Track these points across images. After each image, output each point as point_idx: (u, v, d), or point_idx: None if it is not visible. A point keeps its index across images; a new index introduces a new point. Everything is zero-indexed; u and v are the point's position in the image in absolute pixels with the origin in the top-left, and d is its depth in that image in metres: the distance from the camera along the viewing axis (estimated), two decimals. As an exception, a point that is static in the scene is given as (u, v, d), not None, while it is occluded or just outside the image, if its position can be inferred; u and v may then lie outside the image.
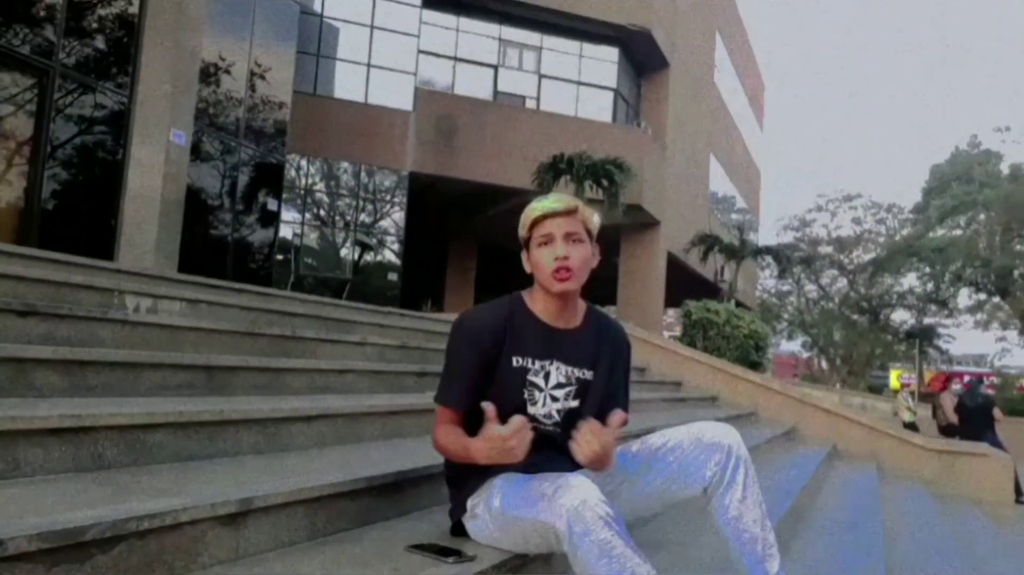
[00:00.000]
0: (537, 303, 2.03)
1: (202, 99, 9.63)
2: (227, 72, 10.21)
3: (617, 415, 1.85)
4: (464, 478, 1.99)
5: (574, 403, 2.02)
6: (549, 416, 1.99)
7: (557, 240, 1.93)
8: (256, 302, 4.35)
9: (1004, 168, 31.60)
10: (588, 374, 2.03)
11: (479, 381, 1.94)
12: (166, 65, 8.36)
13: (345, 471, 2.10)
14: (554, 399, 1.99)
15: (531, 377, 1.97)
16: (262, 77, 10.90)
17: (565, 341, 2.02)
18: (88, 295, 3.19)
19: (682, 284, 20.46)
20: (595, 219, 2.00)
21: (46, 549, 1.27)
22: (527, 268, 2.03)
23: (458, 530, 2.03)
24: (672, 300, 19.73)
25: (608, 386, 2.07)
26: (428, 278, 19.27)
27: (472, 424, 1.90)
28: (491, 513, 1.91)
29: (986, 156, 32.83)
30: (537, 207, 1.97)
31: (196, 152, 9.51)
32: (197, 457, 2.04)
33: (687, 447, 1.95)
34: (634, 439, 2.06)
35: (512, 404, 1.93)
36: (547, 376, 1.99)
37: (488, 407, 1.82)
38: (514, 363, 1.96)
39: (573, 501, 1.64)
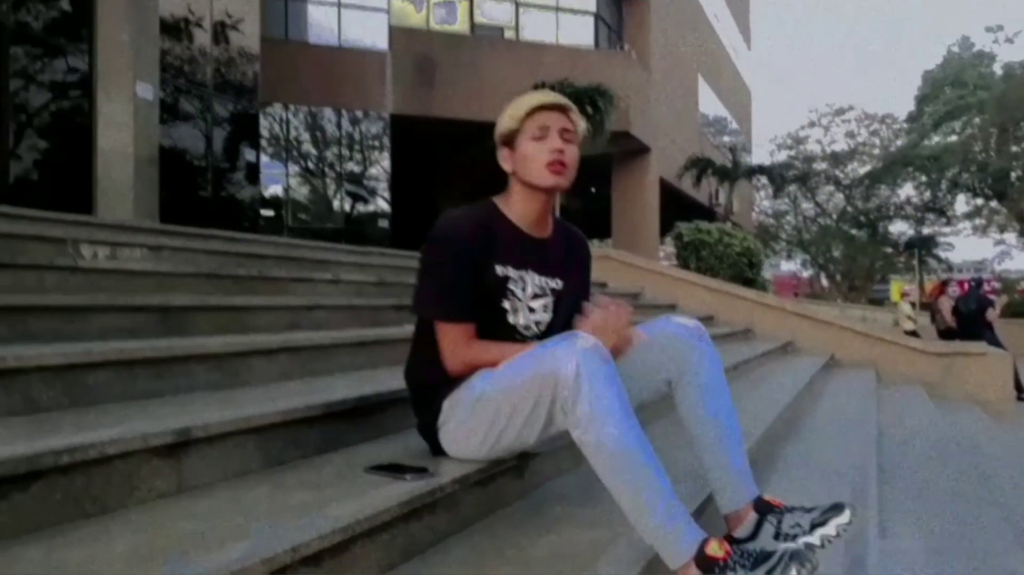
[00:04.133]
0: (513, 209, 1.91)
1: (170, 54, 9.34)
2: (191, 21, 9.85)
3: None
4: (438, 383, 1.88)
5: (550, 315, 1.94)
6: (528, 328, 1.91)
7: (553, 133, 1.83)
8: (226, 247, 4.23)
9: (997, 69, 30.98)
10: (559, 284, 1.95)
11: (473, 291, 1.82)
12: (123, 14, 8.06)
13: (305, 400, 2.00)
14: (532, 311, 1.91)
15: (511, 286, 1.87)
16: (229, 26, 10.53)
17: (538, 250, 1.92)
18: (39, 246, 3.07)
19: (677, 210, 20.27)
20: (582, 126, 1.89)
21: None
22: (506, 166, 1.91)
23: (434, 451, 1.94)
24: (668, 227, 19.56)
25: (577, 297, 1.99)
26: (418, 222, 19.08)
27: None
28: (472, 401, 1.78)
29: (979, 58, 32.15)
30: (530, 99, 1.85)
31: (169, 108, 9.26)
32: (145, 396, 1.95)
33: (647, 343, 1.86)
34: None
35: (491, 315, 1.85)
36: (524, 286, 1.89)
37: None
38: (497, 271, 1.85)
39: (585, 343, 1.60)
